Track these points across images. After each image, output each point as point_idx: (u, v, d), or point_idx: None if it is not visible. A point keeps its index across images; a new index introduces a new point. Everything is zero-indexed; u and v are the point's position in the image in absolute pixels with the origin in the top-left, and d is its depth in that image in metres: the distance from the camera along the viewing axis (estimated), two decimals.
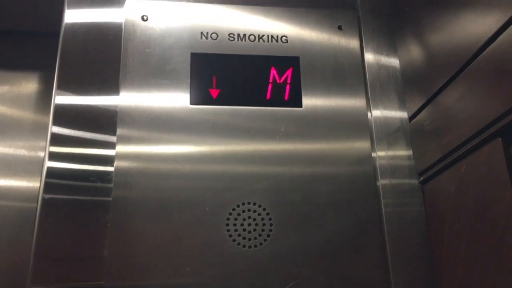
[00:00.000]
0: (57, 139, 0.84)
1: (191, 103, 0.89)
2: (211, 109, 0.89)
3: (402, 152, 0.91)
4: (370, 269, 0.83)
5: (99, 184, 0.82)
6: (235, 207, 0.84)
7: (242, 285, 0.80)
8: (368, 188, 0.88)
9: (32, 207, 0.83)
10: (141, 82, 0.89)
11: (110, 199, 0.81)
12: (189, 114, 0.88)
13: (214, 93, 0.91)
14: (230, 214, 0.84)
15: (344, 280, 0.82)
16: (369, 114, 0.93)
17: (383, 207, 0.87)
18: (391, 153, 0.91)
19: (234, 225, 0.83)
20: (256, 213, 0.84)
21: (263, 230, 0.84)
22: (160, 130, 0.87)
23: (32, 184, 1.07)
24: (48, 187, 0.81)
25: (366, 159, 0.90)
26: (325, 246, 0.83)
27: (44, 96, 1.15)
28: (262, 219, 0.84)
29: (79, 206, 0.80)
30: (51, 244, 0.78)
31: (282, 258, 0.82)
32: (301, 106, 0.92)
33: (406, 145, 0.92)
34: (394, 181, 0.89)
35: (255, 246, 0.82)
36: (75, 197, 0.81)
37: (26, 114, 1.14)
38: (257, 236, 0.83)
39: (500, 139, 0.66)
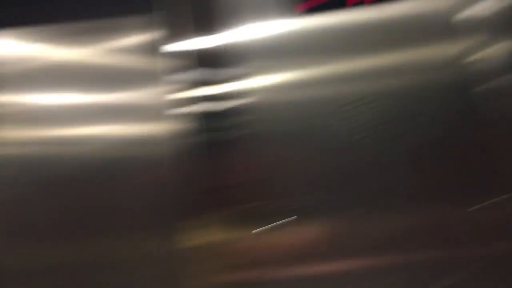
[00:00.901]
0: (191, 83, 0.88)
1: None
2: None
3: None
4: None
5: (232, 121, 0.86)
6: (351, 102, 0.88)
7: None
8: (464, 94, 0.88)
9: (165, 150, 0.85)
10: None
11: (244, 133, 0.85)
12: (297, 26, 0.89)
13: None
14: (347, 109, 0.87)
15: None
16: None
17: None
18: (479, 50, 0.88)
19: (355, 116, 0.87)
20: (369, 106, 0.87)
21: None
22: (276, 57, 0.88)
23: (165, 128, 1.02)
24: (189, 130, 0.86)
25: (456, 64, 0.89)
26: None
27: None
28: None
29: (219, 144, 0.85)
30: (197, 179, 0.84)
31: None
32: None
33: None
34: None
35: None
36: (212, 135, 0.86)
37: (148, 62, 1.03)
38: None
39: None
